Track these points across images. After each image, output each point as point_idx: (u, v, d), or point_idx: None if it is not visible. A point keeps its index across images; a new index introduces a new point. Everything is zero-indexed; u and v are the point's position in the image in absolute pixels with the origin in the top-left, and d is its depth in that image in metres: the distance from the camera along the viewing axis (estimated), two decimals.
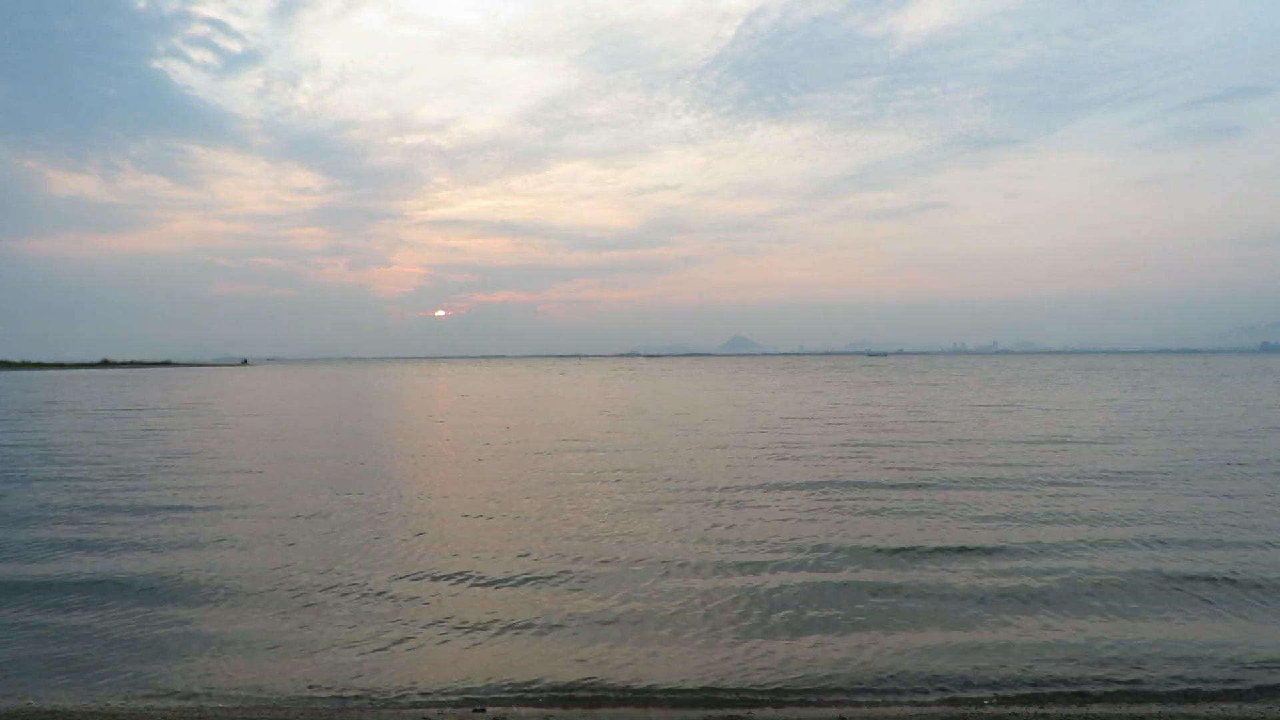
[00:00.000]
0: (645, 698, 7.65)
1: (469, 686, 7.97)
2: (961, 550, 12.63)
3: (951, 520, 14.87)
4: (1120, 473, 20.15)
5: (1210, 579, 10.99)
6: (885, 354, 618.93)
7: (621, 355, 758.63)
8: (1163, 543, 13.02)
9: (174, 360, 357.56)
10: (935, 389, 63.92)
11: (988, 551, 12.60)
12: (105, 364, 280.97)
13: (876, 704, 7.50)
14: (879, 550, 12.75)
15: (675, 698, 7.67)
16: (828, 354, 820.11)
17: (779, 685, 7.90)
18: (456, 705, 7.59)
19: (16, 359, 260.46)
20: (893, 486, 18.48)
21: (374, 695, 7.83)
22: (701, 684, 7.92)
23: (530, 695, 7.75)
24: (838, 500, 16.92)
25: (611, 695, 7.70)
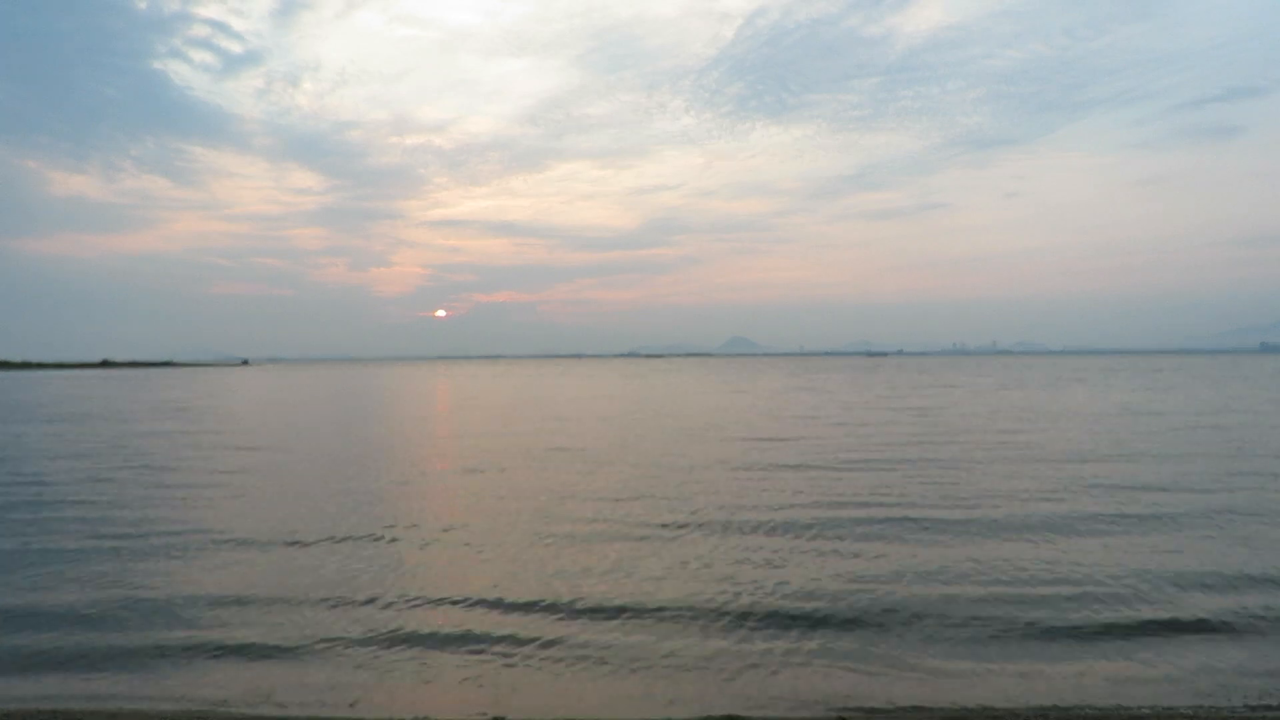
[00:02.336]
0: (649, 695, 7.52)
1: (481, 688, 7.77)
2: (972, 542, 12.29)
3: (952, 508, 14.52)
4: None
5: None
6: (885, 354, 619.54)
7: (620, 355, 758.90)
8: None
9: (175, 360, 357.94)
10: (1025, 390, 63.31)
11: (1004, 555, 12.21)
12: (106, 364, 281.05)
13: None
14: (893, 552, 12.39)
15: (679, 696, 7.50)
16: (828, 354, 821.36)
17: (776, 695, 7.67)
18: (469, 706, 7.44)
19: (17, 359, 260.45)
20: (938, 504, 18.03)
21: (380, 703, 7.63)
22: (704, 682, 7.74)
23: (536, 706, 7.57)
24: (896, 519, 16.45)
25: (616, 693, 7.61)
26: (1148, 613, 9.44)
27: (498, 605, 10.04)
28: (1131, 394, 52.78)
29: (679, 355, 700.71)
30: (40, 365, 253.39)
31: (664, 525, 14.25)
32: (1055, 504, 15.58)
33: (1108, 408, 40.77)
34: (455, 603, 10.17)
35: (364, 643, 8.90)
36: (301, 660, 8.51)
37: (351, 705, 7.51)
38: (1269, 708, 7.15)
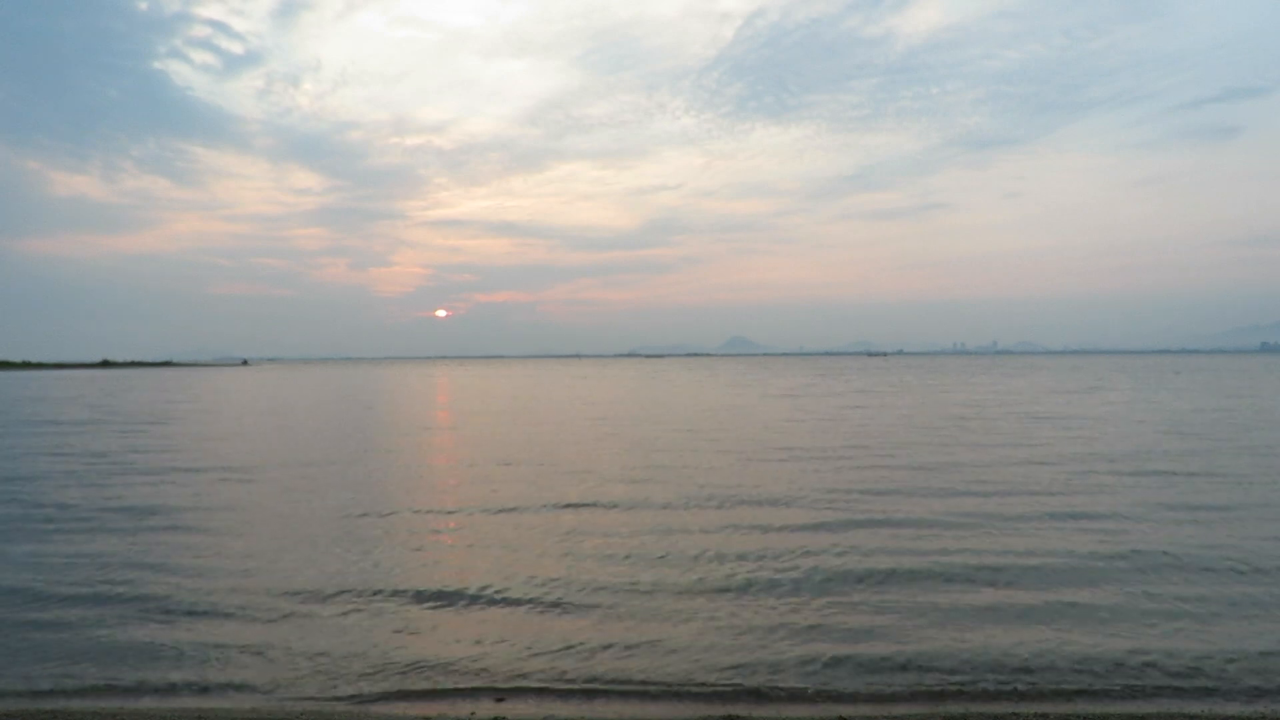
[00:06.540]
0: (650, 691, 7.58)
1: (483, 676, 7.83)
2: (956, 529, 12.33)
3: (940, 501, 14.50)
4: None
5: None
6: (885, 354, 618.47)
7: (620, 355, 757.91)
8: None
9: (174, 360, 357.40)
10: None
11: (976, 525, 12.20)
12: (106, 364, 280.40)
13: (877, 704, 7.30)
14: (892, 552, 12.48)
15: (679, 691, 7.55)
16: (828, 354, 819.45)
17: (778, 683, 7.68)
18: (474, 695, 7.51)
19: (17, 359, 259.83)
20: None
21: (387, 687, 7.68)
22: (705, 679, 7.77)
23: (540, 686, 7.66)
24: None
25: (617, 688, 7.66)
26: None
27: (499, 599, 10.07)
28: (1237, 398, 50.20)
29: (679, 355, 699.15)
30: (40, 365, 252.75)
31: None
32: None
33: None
34: (454, 595, 10.19)
35: (366, 633, 8.95)
36: (299, 651, 8.52)
37: (353, 692, 7.56)
38: None
